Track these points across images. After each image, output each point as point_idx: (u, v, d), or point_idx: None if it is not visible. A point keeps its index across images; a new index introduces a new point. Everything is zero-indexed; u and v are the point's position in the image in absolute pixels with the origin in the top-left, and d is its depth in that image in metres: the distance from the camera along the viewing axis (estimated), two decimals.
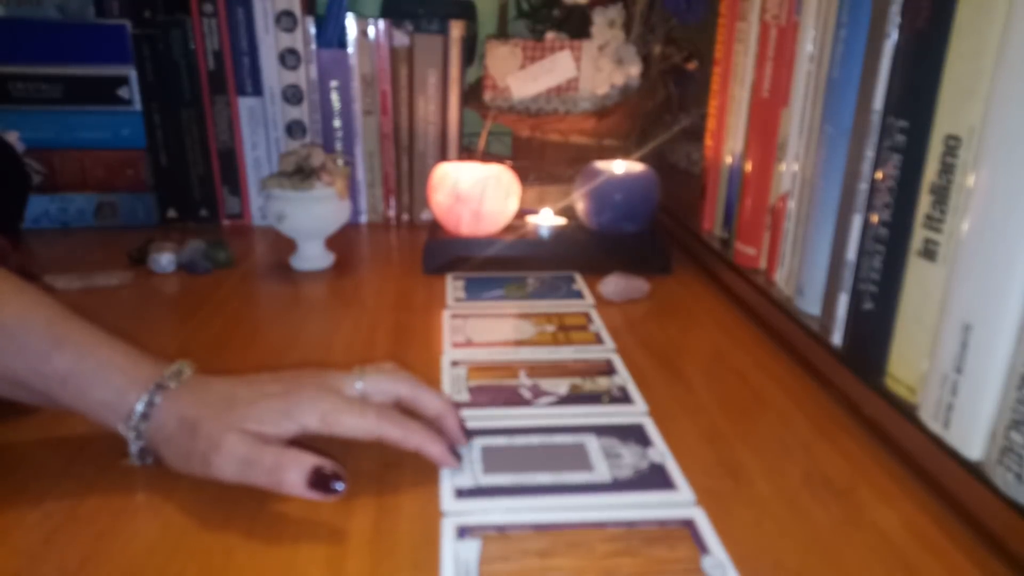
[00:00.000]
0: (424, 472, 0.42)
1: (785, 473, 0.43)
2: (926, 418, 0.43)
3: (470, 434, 0.45)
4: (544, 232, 0.77)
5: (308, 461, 0.37)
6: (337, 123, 0.92)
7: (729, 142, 0.74)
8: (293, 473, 0.37)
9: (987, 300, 0.38)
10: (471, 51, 0.98)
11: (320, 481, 0.37)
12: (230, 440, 0.37)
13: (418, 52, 0.90)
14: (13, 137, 0.81)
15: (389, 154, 0.94)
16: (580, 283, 0.73)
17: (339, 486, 0.37)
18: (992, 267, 0.38)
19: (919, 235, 0.44)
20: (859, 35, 0.51)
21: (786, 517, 0.39)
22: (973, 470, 0.39)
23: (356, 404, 0.40)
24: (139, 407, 0.39)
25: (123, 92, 0.87)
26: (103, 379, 0.39)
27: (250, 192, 0.93)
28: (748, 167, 0.69)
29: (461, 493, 0.40)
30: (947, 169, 0.41)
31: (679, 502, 0.40)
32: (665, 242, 0.78)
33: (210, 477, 0.38)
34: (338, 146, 0.92)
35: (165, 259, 0.74)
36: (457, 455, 0.42)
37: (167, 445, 0.39)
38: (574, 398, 0.51)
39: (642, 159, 0.81)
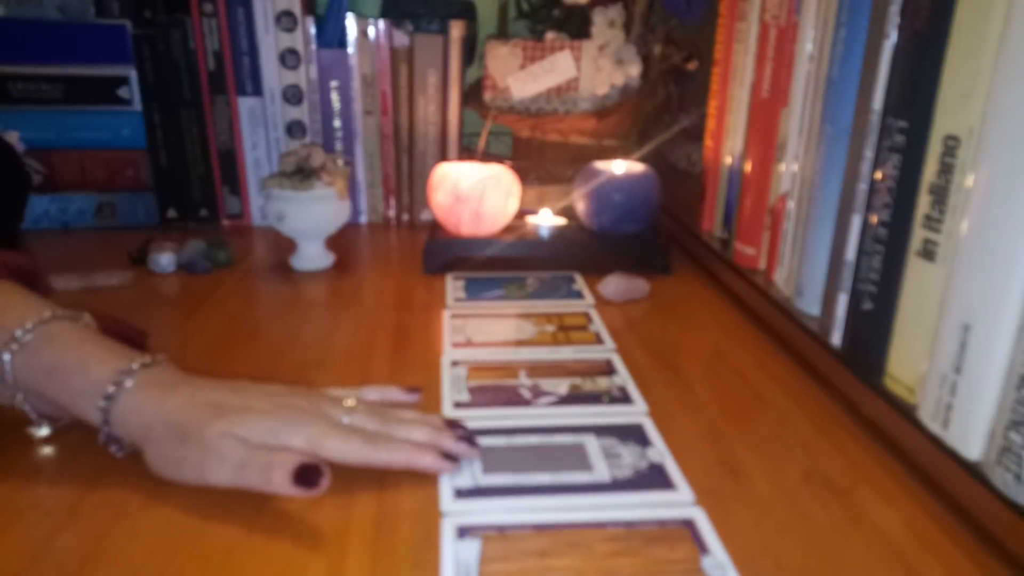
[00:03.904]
0: (424, 473, 0.42)
1: (785, 473, 0.43)
2: (925, 418, 0.43)
3: (472, 441, 0.43)
4: (544, 232, 0.78)
5: (294, 459, 0.37)
6: (337, 123, 0.92)
7: (729, 142, 0.74)
8: (279, 471, 0.37)
9: (986, 300, 0.38)
10: (471, 51, 0.98)
11: (304, 477, 0.37)
12: (226, 444, 0.38)
13: (418, 52, 0.90)
14: (13, 137, 0.81)
15: (389, 154, 0.94)
16: (580, 283, 0.73)
17: (323, 481, 0.37)
18: (991, 267, 0.38)
19: (918, 235, 0.44)
20: (859, 35, 0.51)
21: (786, 517, 0.39)
22: (972, 470, 0.39)
23: (342, 429, 0.40)
24: (109, 389, 0.39)
25: (123, 92, 0.87)
26: (82, 369, 0.40)
27: (250, 192, 0.93)
28: (748, 167, 0.69)
29: (461, 493, 0.40)
30: (946, 169, 0.41)
31: (679, 502, 0.40)
32: (665, 242, 0.78)
33: (204, 483, 0.38)
34: (338, 146, 0.92)
35: (165, 259, 0.74)
36: (452, 458, 0.42)
37: (154, 448, 0.39)
38: (574, 398, 0.51)
39: (642, 159, 0.81)
